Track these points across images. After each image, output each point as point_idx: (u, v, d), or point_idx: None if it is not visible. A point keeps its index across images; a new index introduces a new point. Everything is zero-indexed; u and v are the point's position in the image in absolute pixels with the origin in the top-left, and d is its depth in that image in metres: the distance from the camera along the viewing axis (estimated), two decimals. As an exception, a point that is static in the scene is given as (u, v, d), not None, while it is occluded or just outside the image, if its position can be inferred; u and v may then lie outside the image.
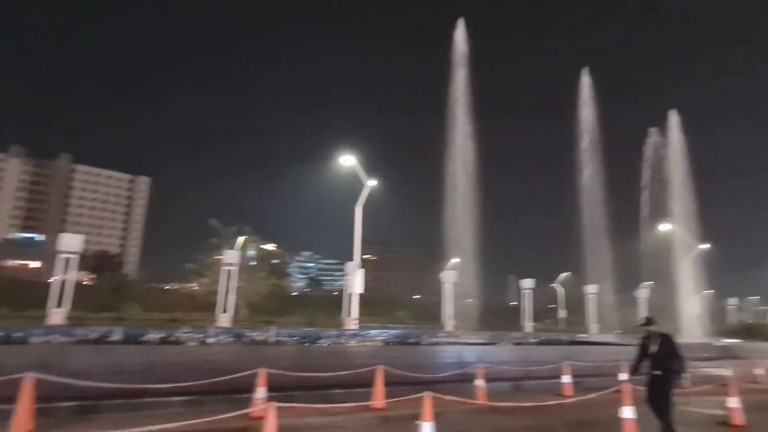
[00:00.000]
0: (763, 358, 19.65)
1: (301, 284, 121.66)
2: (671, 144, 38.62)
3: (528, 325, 36.41)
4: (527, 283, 38.22)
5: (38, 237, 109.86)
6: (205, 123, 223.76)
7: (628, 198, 40.94)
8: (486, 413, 10.27)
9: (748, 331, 37.40)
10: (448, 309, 31.15)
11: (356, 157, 28.76)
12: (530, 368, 13.83)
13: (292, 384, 9.84)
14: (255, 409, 8.29)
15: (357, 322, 25.69)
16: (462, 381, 11.87)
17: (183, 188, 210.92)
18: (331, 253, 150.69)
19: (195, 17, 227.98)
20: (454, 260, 33.53)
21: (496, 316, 40.78)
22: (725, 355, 20.99)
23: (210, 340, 13.04)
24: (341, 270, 40.99)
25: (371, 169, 29.49)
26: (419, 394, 7.40)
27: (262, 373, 9.13)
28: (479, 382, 11.44)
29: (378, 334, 19.32)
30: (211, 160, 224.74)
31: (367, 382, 10.31)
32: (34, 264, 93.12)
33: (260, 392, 8.97)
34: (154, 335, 12.72)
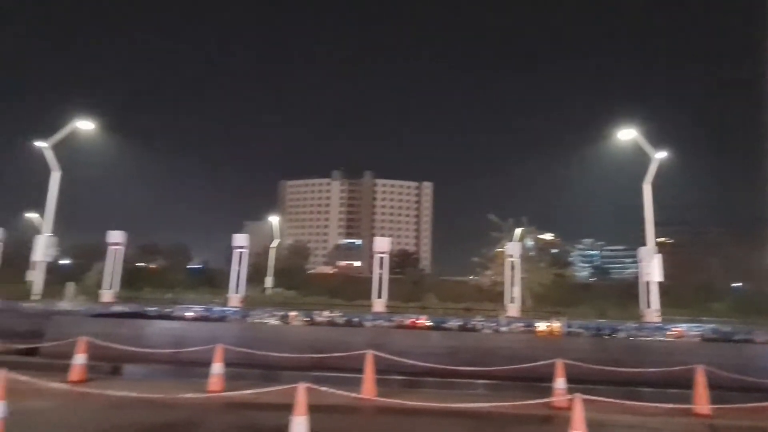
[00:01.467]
0: None
1: (584, 273, 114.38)
2: None
3: None
4: None
5: (358, 242, 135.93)
6: (473, 121, 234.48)
7: None
8: None
9: None
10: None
11: (637, 129, 25.43)
12: None
13: (591, 377, 9.53)
14: (557, 399, 8.41)
15: (659, 314, 22.67)
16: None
17: (461, 187, 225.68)
18: (615, 238, 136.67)
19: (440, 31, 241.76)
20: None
21: None
22: None
23: (503, 329, 13.76)
24: (629, 256, 36.75)
25: (658, 140, 25.58)
26: (760, 404, 6.18)
27: (560, 364, 9.16)
28: None
29: (690, 329, 16.66)
30: (485, 157, 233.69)
31: (682, 383, 9.11)
32: (357, 263, 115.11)
33: (560, 383, 9.02)
34: (454, 322, 14.26)
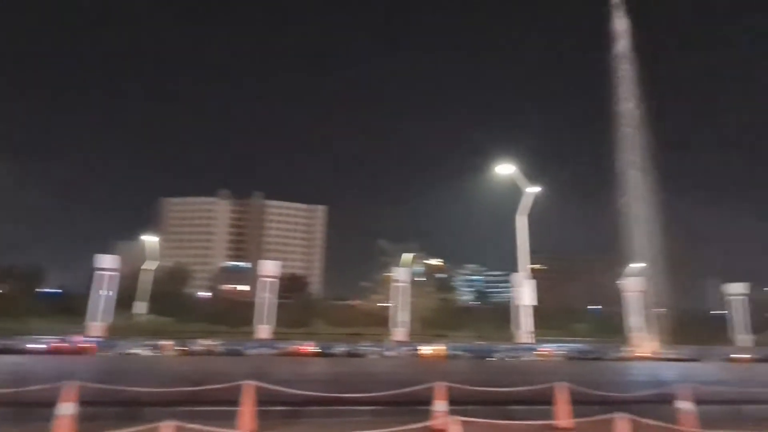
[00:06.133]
0: None
1: (467, 297, 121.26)
2: None
3: (743, 338, 30.62)
4: (736, 288, 32.27)
5: (245, 264, 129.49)
6: (365, 148, 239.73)
7: None
8: (696, 440, 8.95)
9: None
10: (633, 320, 27.92)
11: (515, 164, 28.00)
12: (754, 390, 11.66)
13: (470, 398, 9.89)
14: (436, 422, 8.56)
15: (532, 335, 24.63)
16: (660, 402, 10.53)
17: (355, 212, 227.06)
18: (497, 264, 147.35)
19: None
20: (637, 265, 30.00)
21: (697, 329, 35.12)
22: None
23: (389, 353, 13.86)
24: (507, 281, 39.85)
25: (534, 175, 28.39)
26: (609, 415, 6.83)
27: (441, 387, 9.37)
28: (685, 404, 10.00)
29: (556, 348, 18.27)
30: (377, 184, 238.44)
31: (548, 399, 9.84)
32: (243, 287, 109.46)
33: (440, 405, 9.21)
34: (341, 348, 14.04)
